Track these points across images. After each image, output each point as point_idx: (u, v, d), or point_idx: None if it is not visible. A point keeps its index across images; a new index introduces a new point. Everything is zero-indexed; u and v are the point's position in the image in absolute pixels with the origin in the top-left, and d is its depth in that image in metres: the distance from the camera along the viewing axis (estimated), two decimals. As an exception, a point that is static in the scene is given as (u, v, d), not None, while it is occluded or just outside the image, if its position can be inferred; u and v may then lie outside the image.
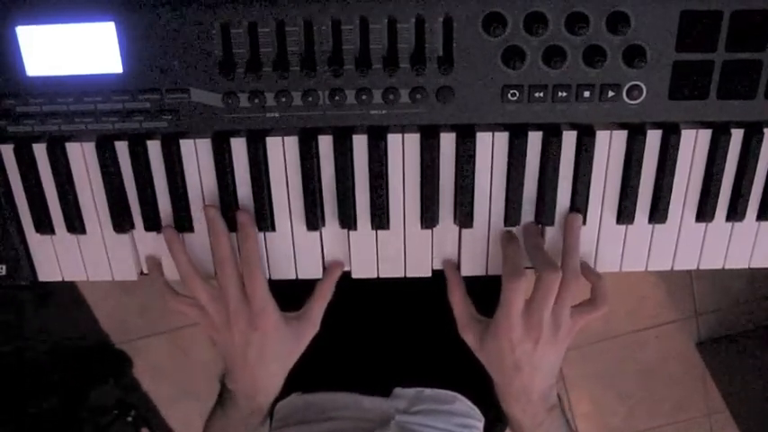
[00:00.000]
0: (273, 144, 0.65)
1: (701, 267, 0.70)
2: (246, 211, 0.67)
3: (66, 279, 0.71)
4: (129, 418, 1.74)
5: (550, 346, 0.65)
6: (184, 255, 0.68)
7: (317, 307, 0.71)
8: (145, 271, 0.71)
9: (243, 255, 0.66)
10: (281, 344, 0.69)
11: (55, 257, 0.70)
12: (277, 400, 0.81)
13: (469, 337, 0.68)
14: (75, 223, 0.68)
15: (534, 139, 0.65)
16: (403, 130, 0.65)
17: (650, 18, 0.59)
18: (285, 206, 0.68)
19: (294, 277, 0.71)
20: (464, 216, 0.67)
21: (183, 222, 0.68)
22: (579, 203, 0.67)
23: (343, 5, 0.59)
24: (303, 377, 0.81)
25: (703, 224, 0.68)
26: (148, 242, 0.70)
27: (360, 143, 0.65)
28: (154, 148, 0.66)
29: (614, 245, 0.69)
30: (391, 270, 0.70)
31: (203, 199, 0.68)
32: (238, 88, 0.62)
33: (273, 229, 0.68)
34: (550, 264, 0.63)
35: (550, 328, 0.64)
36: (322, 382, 0.80)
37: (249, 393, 0.71)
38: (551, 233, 0.68)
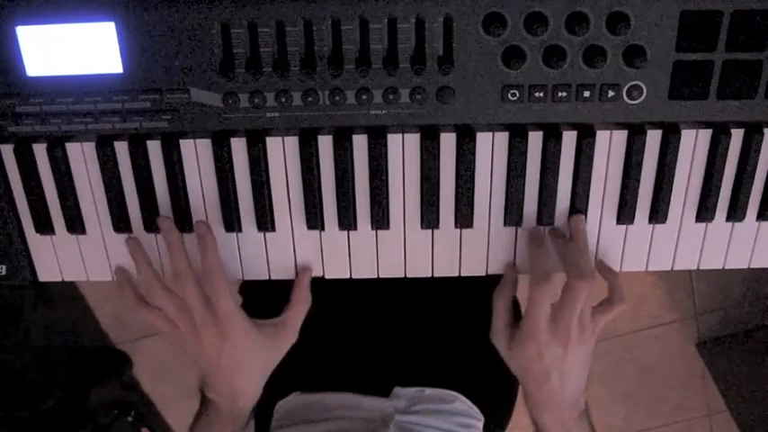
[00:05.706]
0: (273, 144, 0.65)
1: (701, 267, 0.70)
2: (205, 222, 0.66)
3: (66, 279, 0.71)
4: (129, 418, 1.74)
5: (578, 350, 0.65)
6: (149, 265, 0.67)
7: (296, 315, 0.70)
8: (113, 278, 0.70)
9: (205, 267, 0.65)
10: (256, 352, 0.68)
11: (55, 257, 0.70)
12: (277, 399, 0.81)
13: (501, 343, 0.68)
14: (76, 223, 0.68)
15: (534, 139, 0.65)
16: (403, 130, 0.65)
17: (650, 18, 0.59)
18: (285, 206, 0.68)
19: (294, 277, 0.71)
20: (464, 216, 0.67)
21: (182, 223, 0.68)
22: (579, 203, 0.67)
23: (343, 5, 0.59)
24: (303, 377, 0.81)
25: (703, 224, 0.68)
26: (149, 242, 0.70)
27: (360, 143, 0.65)
28: (154, 149, 0.66)
29: (614, 245, 0.69)
30: (391, 270, 0.70)
31: (203, 199, 0.68)
32: (238, 88, 0.62)
33: (273, 229, 0.68)
34: (581, 271, 0.63)
35: (577, 333, 0.64)
36: (322, 381, 0.80)
37: (229, 400, 0.69)
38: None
